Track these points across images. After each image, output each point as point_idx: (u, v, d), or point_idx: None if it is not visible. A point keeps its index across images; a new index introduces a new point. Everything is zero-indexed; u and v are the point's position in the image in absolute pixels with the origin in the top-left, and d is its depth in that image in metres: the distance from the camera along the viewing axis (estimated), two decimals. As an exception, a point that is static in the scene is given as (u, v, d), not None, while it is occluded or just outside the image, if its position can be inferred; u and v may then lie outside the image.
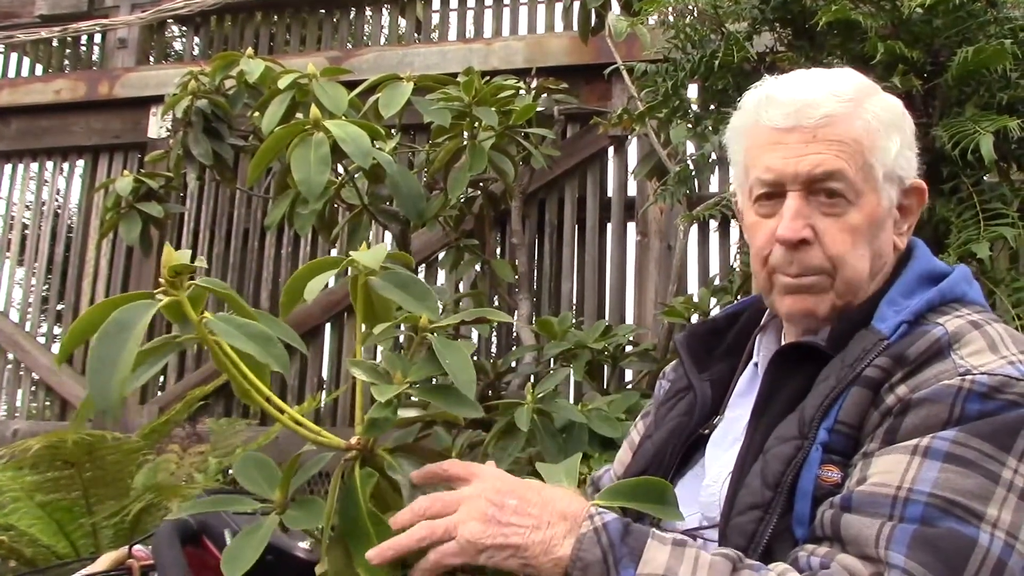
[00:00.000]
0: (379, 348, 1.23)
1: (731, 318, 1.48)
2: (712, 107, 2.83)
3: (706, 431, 1.37)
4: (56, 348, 5.36)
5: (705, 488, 1.29)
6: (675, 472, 1.35)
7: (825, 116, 1.22)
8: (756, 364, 1.38)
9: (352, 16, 5.30)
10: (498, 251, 4.44)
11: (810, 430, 1.14)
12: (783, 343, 1.34)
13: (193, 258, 1.01)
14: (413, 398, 1.16)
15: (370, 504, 1.09)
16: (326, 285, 1.18)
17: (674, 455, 1.36)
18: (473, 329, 3.73)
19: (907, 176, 1.28)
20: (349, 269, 1.16)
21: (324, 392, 4.92)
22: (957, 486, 1.03)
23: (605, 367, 3.38)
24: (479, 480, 1.10)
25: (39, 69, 5.99)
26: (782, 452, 1.15)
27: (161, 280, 1.00)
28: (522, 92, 3.23)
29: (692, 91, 2.91)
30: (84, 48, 6.19)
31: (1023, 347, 1.15)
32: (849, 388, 1.15)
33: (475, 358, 4.08)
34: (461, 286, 4.34)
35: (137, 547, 1.42)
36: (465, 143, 3.06)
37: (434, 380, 1.15)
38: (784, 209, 1.24)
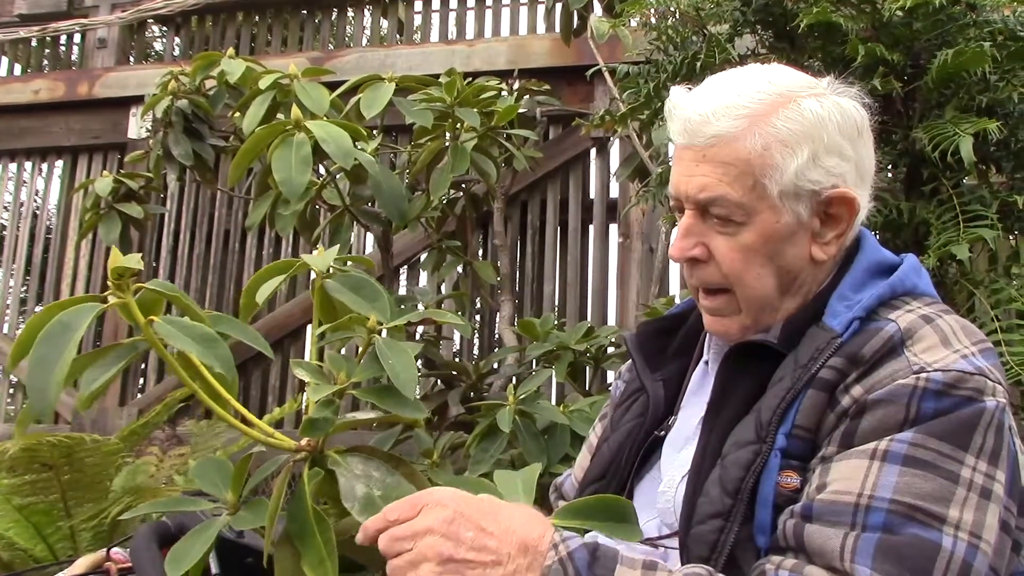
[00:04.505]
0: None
1: (680, 316, 1.46)
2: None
3: (661, 433, 1.34)
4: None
5: (661, 494, 1.26)
6: (633, 476, 1.33)
7: (714, 136, 1.19)
8: (707, 362, 1.36)
9: (334, 17, 5.29)
10: (480, 252, 4.44)
11: (768, 435, 1.13)
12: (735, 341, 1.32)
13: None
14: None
15: (316, 504, 1.09)
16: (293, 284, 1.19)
17: (630, 459, 1.34)
18: (455, 331, 3.72)
19: (823, 188, 1.21)
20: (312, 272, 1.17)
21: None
22: (917, 490, 1.03)
23: (587, 368, 3.38)
24: (430, 509, 1.04)
25: (18, 69, 5.94)
26: (740, 458, 1.13)
27: (108, 283, 1.00)
28: (504, 93, 3.23)
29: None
30: (64, 48, 6.15)
31: (975, 339, 1.14)
32: (805, 391, 1.13)
33: (457, 359, 4.07)
34: (443, 287, 4.33)
35: (115, 550, 1.42)
36: (447, 144, 3.06)
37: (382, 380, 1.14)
38: (678, 225, 1.25)
